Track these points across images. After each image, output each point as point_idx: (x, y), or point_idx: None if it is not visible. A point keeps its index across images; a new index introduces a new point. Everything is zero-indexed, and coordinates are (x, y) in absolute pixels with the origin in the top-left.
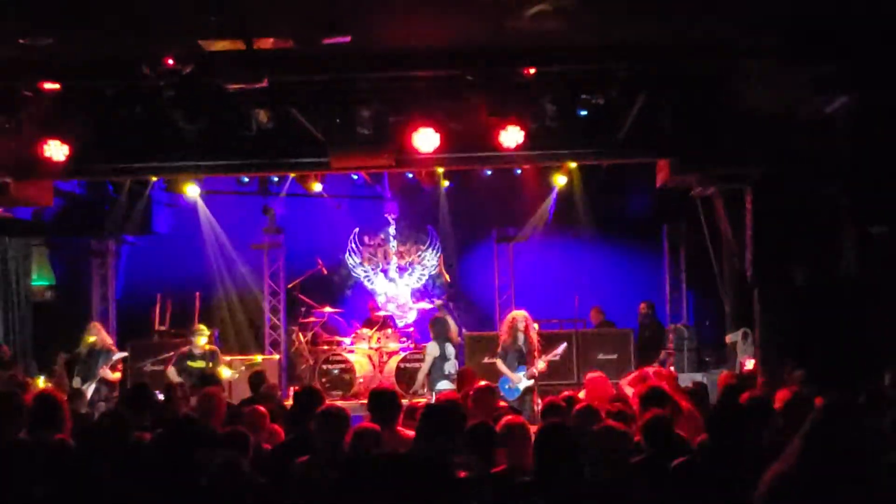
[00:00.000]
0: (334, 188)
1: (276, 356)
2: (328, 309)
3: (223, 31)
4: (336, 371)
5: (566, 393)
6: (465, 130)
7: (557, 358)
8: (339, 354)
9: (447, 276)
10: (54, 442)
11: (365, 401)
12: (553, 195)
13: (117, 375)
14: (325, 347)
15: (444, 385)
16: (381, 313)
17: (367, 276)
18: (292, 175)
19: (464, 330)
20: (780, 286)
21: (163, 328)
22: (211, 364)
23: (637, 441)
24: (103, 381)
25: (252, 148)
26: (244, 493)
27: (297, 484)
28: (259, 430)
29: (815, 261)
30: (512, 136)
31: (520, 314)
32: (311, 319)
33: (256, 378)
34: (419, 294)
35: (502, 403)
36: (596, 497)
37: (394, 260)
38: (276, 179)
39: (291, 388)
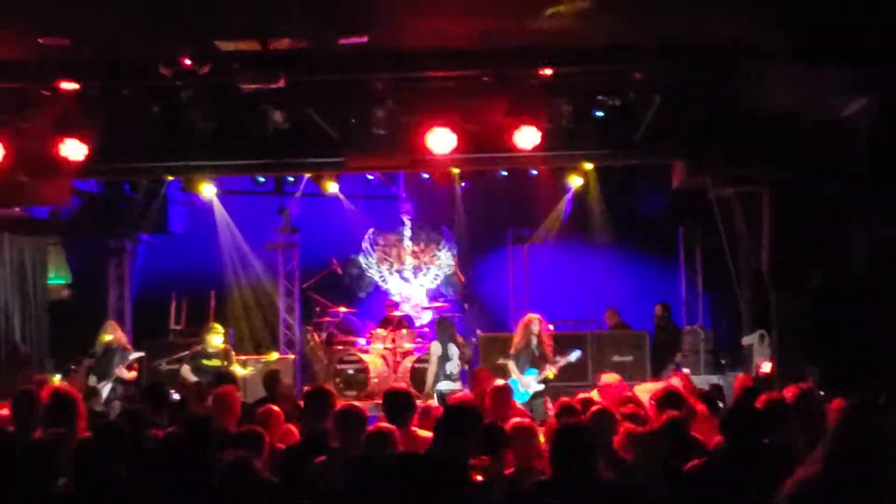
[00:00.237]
0: (349, 188)
1: (291, 356)
2: (342, 309)
3: (239, 32)
4: (351, 371)
5: (581, 395)
6: (481, 131)
7: (572, 362)
8: (354, 354)
9: (462, 277)
10: (71, 439)
11: (379, 401)
12: (568, 196)
13: (133, 374)
14: (340, 347)
15: (446, 385)
16: (398, 313)
17: (382, 277)
18: (307, 175)
19: (478, 331)
20: (797, 288)
21: (178, 327)
22: (225, 363)
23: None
24: (119, 380)
25: (268, 148)
26: (256, 493)
27: (313, 484)
28: (273, 429)
29: (831, 263)
30: (528, 137)
31: (535, 317)
32: (326, 319)
33: (270, 377)
34: (433, 294)
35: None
36: (611, 498)
37: (408, 260)
38: (291, 179)
39: (305, 388)
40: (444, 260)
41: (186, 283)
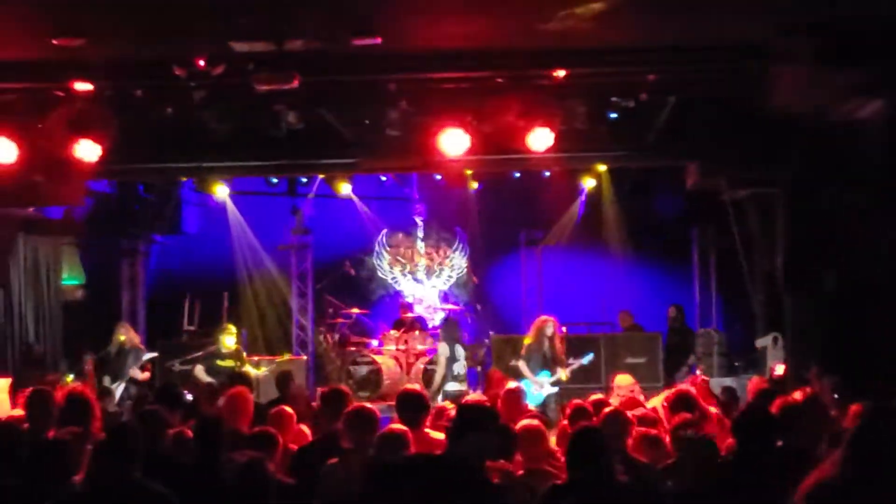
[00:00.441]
0: (362, 189)
1: (304, 356)
2: (355, 310)
3: (254, 33)
4: (363, 372)
5: (593, 397)
6: (494, 132)
7: (585, 365)
8: (367, 355)
9: (475, 278)
10: (85, 439)
11: (392, 402)
12: (582, 198)
13: (146, 375)
14: (353, 348)
15: (453, 386)
16: (411, 314)
17: (394, 278)
18: (321, 176)
19: (491, 332)
20: (812, 291)
21: (191, 328)
22: (238, 363)
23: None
24: (132, 381)
25: (281, 149)
26: (269, 494)
27: (327, 485)
28: (286, 430)
29: (846, 266)
30: (541, 139)
31: (549, 319)
32: (339, 320)
33: (283, 378)
34: (445, 296)
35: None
36: (627, 500)
37: (421, 261)
38: (304, 180)
39: (319, 389)
40: (457, 261)
41: (200, 284)
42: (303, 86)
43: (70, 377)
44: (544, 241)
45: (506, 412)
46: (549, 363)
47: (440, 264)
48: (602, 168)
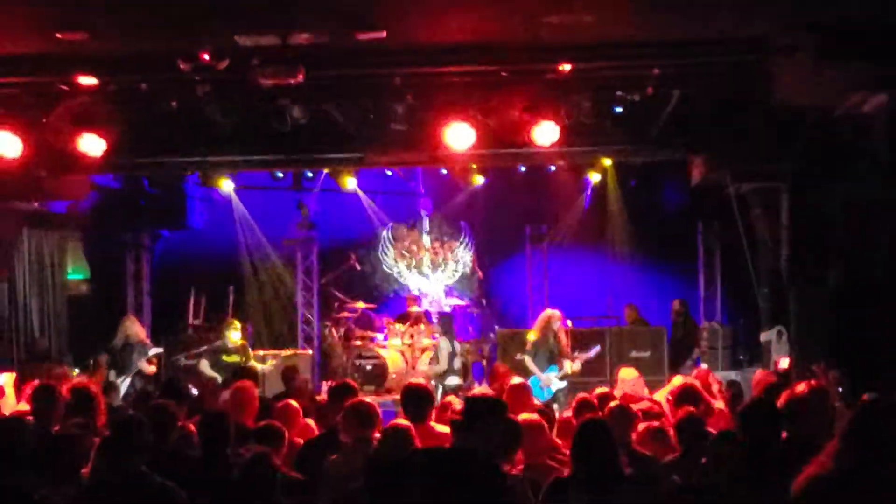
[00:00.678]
0: (368, 184)
1: (310, 351)
2: (361, 304)
3: (259, 27)
4: (369, 366)
5: (598, 390)
6: (500, 126)
7: (591, 358)
8: (372, 350)
9: (480, 273)
10: (91, 433)
11: (397, 396)
12: (587, 192)
13: (152, 369)
14: (358, 343)
15: (454, 380)
16: (417, 308)
17: (400, 272)
18: (326, 170)
19: (496, 327)
20: (816, 285)
21: (196, 322)
22: (244, 358)
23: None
24: (138, 375)
25: (286, 143)
26: (275, 489)
27: (332, 480)
28: (291, 425)
29: (850, 260)
30: (546, 133)
31: (556, 314)
32: (344, 314)
33: (289, 373)
34: (449, 291)
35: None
36: (633, 493)
37: (426, 256)
38: (309, 175)
39: (324, 383)
40: (463, 256)
41: (205, 279)
42: (308, 80)
43: (76, 371)
44: (550, 236)
45: (511, 408)
46: (556, 358)
47: (445, 259)
48: (607, 162)
